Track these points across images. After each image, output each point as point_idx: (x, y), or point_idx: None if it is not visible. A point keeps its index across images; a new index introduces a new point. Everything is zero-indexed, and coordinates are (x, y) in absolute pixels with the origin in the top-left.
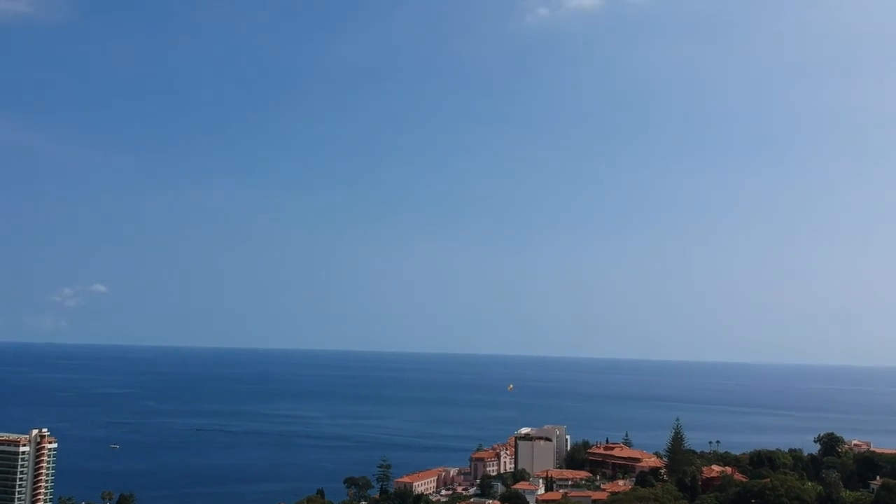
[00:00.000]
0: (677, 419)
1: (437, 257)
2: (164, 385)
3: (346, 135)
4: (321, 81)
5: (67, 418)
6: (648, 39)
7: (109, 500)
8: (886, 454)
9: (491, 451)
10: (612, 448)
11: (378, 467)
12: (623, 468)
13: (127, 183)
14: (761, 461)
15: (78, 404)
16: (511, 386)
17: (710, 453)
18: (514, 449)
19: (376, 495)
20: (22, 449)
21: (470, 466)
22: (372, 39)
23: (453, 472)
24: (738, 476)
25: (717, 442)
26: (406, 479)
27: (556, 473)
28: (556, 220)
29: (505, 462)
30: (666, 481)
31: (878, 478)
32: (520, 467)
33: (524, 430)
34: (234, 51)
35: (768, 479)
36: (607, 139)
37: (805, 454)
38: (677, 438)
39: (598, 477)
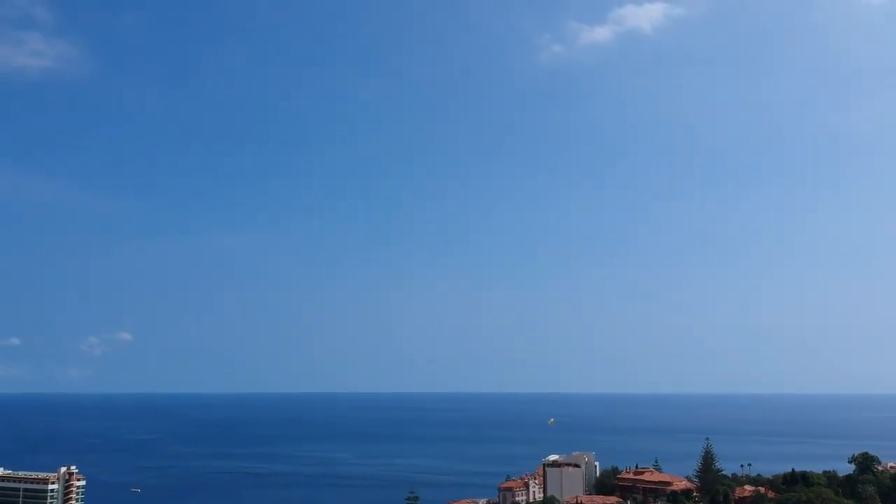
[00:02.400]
0: (707, 439)
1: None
2: (191, 430)
3: (361, 175)
4: (339, 124)
5: (94, 464)
6: (661, 72)
7: None
8: None
9: (519, 480)
10: (642, 473)
11: (406, 500)
12: (654, 492)
13: (150, 231)
14: (795, 480)
15: (105, 450)
16: (552, 420)
17: (742, 476)
18: (542, 478)
19: None
20: (51, 486)
21: (498, 497)
22: (385, 80)
23: (482, 503)
24: (772, 494)
25: (749, 465)
26: None
27: (585, 500)
28: (580, 258)
29: (534, 491)
30: (699, 502)
31: None
32: (549, 494)
33: (552, 458)
34: (254, 97)
35: (802, 494)
36: (632, 170)
37: (840, 475)
38: (708, 458)
39: (628, 502)
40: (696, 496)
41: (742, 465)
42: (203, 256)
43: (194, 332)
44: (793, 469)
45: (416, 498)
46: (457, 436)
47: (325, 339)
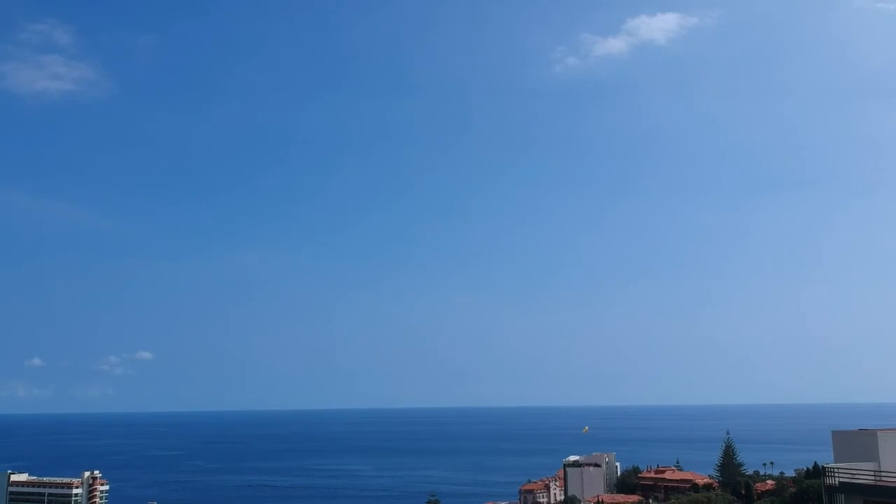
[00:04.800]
0: (727, 432)
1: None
2: (211, 446)
3: (381, 192)
4: (358, 142)
5: (113, 479)
6: (677, 82)
7: None
8: None
9: (540, 482)
10: (664, 471)
11: (427, 503)
12: (675, 490)
13: (169, 250)
14: (818, 473)
15: (126, 466)
16: (586, 428)
17: (764, 475)
18: (563, 481)
19: None
20: (75, 491)
21: (519, 499)
22: (403, 98)
23: None
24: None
25: (771, 463)
26: None
27: (607, 499)
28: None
29: (555, 493)
30: (719, 494)
31: None
32: (570, 494)
33: (573, 458)
34: (272, 118)
35: None
36: (653, 181)
37: None
38: (728, 451)
39: (650, 501)
40: (716, 490)
41: (764, 464)
42: (222, 275)
43: (214, 350)
44: (815, 462)
45: (437, 501)
46: (479, 448)
47: (345, 355)
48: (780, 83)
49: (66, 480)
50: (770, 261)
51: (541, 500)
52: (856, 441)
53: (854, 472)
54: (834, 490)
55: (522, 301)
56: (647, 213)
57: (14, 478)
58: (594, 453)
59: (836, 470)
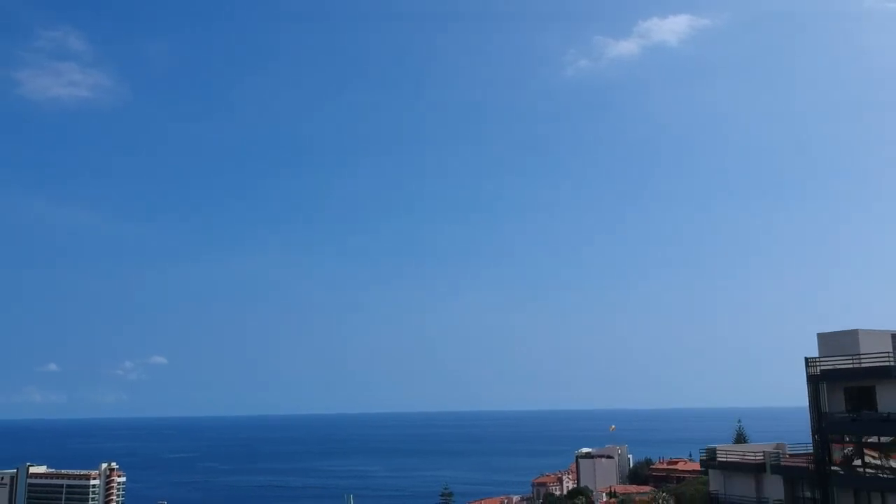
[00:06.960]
0: (738, 420)
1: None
2: (224, 449)
3: (390, 195)
4: (368, 145)
5: (129, 479)
6: (689, 84)
7: None
8: None
9: (553, 475)
10: (676, 462)
11: (440, 496)
12: None
13: (183, 255)
14: None
15: (139, 467)
16: (613, 427)
17: None
18: (575, 474)
19: None
20: (93, 482)
21: (532, 492)
22: (411, 101)
23: (516, 499)
24: None
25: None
26: None
27: (619, 489)
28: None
29: (568, 486)
30: None
31: None
32: (582, 485)
33: (585, 450)
34: (283, 123)
35: None
36: (663, 181)
37: None
38: (739, 439)
39: (662, 493)
40: None
41: None
42: (235, 280)
43: (228, 355)
44: None
45: (451, 494)
46: (491, 449)
47: (357, 359)
48: (791, 84)
49: (83, 472)
50: (784, 262)
51: (554, 492)
52: (838, 339)
53: (835, 361)
54: (817, 379)
55: (530, 302)
56: (659, 214)
57: (33, 470)
58: (606, 446)
59: (818, 361)
